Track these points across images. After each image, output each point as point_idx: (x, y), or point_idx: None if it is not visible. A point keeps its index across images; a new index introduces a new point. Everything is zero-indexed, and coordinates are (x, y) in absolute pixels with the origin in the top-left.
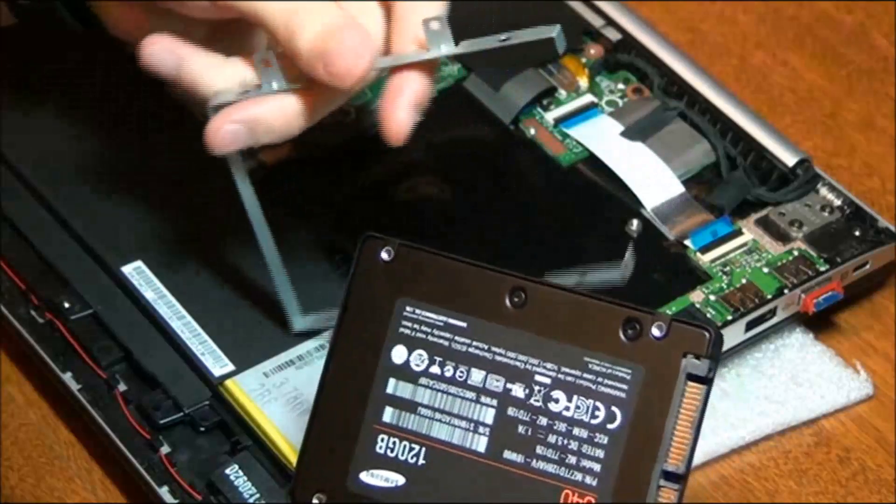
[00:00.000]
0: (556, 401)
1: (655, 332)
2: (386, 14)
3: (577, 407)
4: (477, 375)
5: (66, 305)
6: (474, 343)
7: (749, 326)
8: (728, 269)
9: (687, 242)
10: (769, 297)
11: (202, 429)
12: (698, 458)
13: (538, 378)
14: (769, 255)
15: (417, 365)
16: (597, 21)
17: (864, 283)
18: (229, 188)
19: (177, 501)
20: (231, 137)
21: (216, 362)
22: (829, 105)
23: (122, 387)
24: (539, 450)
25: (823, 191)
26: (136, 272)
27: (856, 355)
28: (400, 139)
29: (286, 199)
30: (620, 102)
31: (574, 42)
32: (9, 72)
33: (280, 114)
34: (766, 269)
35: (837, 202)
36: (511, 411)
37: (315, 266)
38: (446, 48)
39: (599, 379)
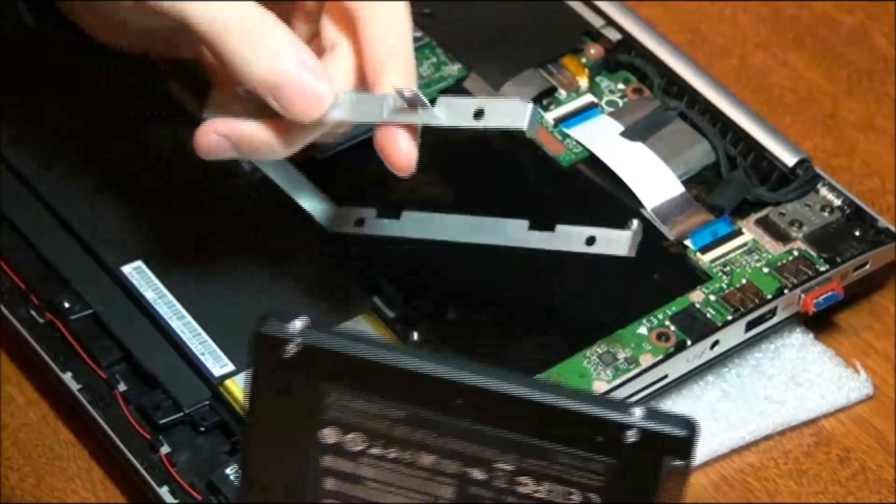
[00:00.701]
0: (525, 485)
1: (628, 439)
2: (349, 30)
3: (550, 491)
4: (426, 459)
5: (66, 305)
6: (418, 431)
7: (749, 326)
8: (728, 269)
9: (687, 242)
10: (769, 297)
11: (202, 429)
12: (698, 458)
13: (499, 465)
14: (769, 255)
15: (354, 446)
16: (597, 21)
17: (864, 283)
18: (229, 188)
19: (177, 501)
20: (215, 146)
21: (216, 362)
22: (829, 105)
23: (122, 387)
24: None
25: (823, 191)
26: (136, 272)
27: (856, 355)
28: (410, 169)
29: (286, 198)
30: (620, 102)
31: (574, 42)
32: (9, 72)
33: (261, 137)
34: (766, 269)
35: (837, 202)
36: (473, 490)
37: (315, 266)
38: (423, 113)
39: (571, 470)
